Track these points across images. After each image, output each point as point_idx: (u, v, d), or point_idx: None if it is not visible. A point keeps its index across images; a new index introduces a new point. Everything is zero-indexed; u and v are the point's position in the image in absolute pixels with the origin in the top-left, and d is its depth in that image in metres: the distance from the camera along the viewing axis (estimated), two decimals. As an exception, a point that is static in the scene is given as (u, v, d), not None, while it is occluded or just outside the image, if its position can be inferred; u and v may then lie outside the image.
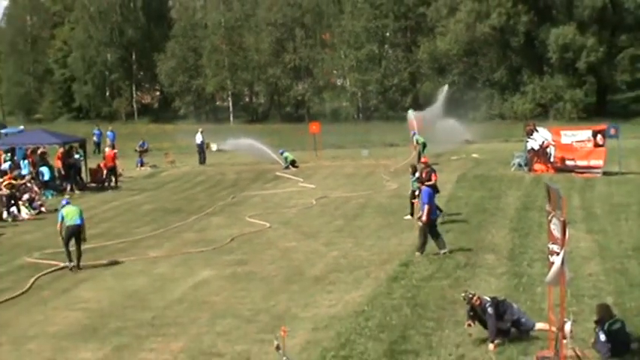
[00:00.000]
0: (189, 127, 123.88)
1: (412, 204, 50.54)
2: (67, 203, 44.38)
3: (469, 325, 29.14)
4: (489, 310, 28.30)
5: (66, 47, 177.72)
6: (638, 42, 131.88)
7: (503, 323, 28.54)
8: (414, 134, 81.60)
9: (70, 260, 43.04)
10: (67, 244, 43.19)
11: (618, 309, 29.46)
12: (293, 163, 79.99)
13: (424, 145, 78.35)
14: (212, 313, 34.79)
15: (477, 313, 28.89)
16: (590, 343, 27.48)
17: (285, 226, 52.02)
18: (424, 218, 42.75)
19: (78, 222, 43.74)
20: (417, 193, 48.85)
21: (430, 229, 42.86)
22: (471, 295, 29.19)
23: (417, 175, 50.45)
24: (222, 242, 46.93)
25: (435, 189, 49.28)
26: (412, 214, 49.90)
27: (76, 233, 43.52)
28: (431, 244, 42.76)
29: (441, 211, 47.41)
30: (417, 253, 42.32)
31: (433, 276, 38.08)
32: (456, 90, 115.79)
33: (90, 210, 60.80)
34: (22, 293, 39.25)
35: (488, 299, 28.73)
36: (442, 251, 42.32)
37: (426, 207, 42.64)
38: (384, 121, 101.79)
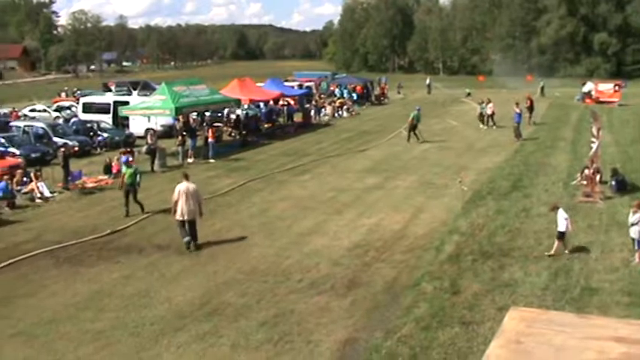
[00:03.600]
0: (421, 77, 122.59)
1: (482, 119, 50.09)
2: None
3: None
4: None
5: (365, 38, 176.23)
6: (636, 42, 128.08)
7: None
8: (542, 82, 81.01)
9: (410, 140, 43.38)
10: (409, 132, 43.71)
11: (622, 169, 28.73)
12: (469, 94, 78.59)
13: (542, 88, 77.97)
14: (429, 164, 34.92)
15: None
16: (608, 185, 27.06)
17: (464, 124, 51.32)
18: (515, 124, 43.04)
19: None
20: (482, 112, 49.77)
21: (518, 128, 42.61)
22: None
23: (483, 104, 50.44)
24: (435, 132, 46.49)
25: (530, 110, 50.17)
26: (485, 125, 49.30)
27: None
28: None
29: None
30: (516, 140, 41.78)
31: (535, 151, 37.56)
32: (549, 62, 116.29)
33: (372, 114, 61.40)
34: (351, 152, 40.05)
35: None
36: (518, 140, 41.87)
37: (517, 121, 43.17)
38: (513, 76, 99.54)
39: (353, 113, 62.24)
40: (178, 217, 21.23)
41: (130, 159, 32.03)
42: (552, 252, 19.39)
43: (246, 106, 49.51)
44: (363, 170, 34.08)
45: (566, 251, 19.46)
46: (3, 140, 38.58)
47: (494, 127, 47.84)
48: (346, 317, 15.64)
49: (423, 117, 45.53)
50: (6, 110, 61.00)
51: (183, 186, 21.51)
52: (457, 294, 16.73)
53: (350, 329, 14.99)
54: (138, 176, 26.37)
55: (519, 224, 22.73)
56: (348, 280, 18.10)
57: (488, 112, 49.16)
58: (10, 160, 34.03)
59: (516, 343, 6.95)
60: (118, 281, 18.66)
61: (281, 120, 54.35)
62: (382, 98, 77.68)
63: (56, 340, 14.90)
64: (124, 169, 25.91)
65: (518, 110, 43.66)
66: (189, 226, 21.32)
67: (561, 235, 19.55)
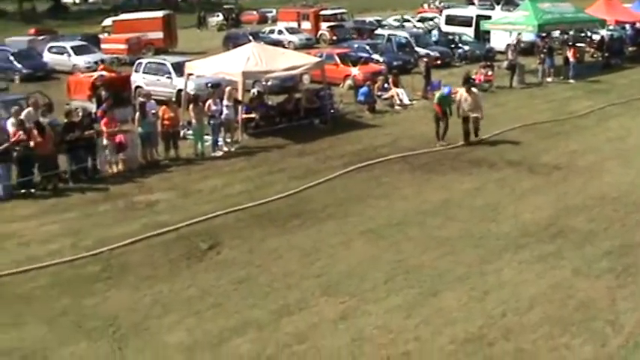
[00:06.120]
0: None
1: None
2: None
3: None
4: None
5: None
6: None
7: None
8: None
9: None
10: None
11: None
12: None
13: None
14: None
15: None
16: None
17: None
18: None
19: None
20: None
21: None
22: None
23: None
24: None
25: None
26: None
27: None
28: None
29: None
30: None
31: None
32: None
33: None
34: None
35: None
36: None
37: None
38: None
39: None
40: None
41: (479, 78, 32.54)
42: None
43: (611, 27, 47.45)
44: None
45: None
46: (368, 47, 40.65)
47: None
48: (698, 257, 14.65)
49: None
50: (371, 19, 63.73)
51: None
52: None
53: (699, 271, 14.02)
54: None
55: None
56: None
57: None
58: (373, 67, 35.90)
59: None
60: (467, 192, 19.03)
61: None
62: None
63: (403, 242, 15.61)
64: (442, 90, 25.46)
65: None
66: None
67: None
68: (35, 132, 19.84)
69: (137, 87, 31.60)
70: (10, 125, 20.72)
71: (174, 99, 27.70)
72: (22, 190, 19.79)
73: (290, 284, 13.67)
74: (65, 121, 21.35)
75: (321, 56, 32.85)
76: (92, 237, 16.33)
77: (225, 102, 23.94)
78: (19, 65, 42.19)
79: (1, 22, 78.23)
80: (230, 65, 26.30)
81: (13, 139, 19.73)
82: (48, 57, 45.63)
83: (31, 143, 19.73)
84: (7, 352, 11.54)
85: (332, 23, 59.21)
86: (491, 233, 15.96)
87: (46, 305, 13.14)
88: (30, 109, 22.45)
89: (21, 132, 19.77)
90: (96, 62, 40.61)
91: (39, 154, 19.93)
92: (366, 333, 11.75)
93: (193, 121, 23.72)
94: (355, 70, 34.81)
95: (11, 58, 42.83)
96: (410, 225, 16.59)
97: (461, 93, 24.04)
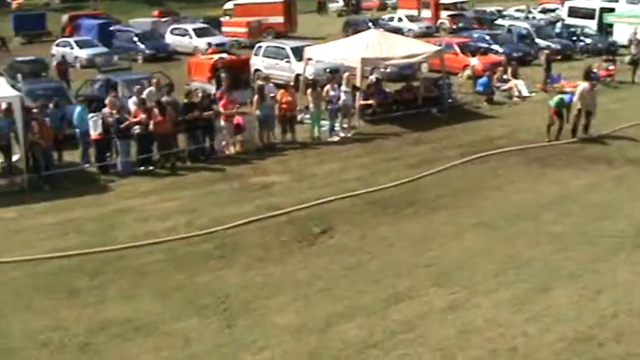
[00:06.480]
0: None
1: None
2: None
3: None
4: None
5: None
6: None
7: None
8: None
9: None
10: None
11: None
12: None
13: None
14: None
15: None
16: None
17: None
18: None
19: None
20: None
21: None
22: None
23: None
24: None
25: None
26: None
27: None
28: None
29: None
30: None
31: None
32: None
33: None
34: None
35: None
36: None
37: None
38: None
39: None
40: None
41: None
42: None
43: None
44: None
45: None
46: (488, 37, 40.20)
47: None
48: None
49: None
50: (492, 9, 62.81)
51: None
52: None
53: None
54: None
55: None
56: None
57: None
58: (493, 57, 35.44)
59: None
60: (583, 188, 18.61)
61: None
62: None
63: (515, 235, 15.41)
64: (564, 96, 24.64)
65: None
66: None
67: None
68: (156, 111, 20.50)
69: (256, 70, 32.35)
70: (131, 104, 21.60)
71: (292, 83, 28.14)
72: (142, 167, 20.57)
73: (400, 272, 13.72)
74: (185, 101, 22.02)
75: (440, 45, 32.64)
76: (207, 216, 16.82)
77: (343, 88, 24.10)
78: (142, 46, 43.79)
79: (126, 4, 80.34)
80: (349, 51, 26.47)
81: (133, 119, 20.49)
82: (170, 38, 47.14)
83: (151, 124, 20.42)
84: (122, 322, 12.01)
85: (452, 12, 58.77)
86: (606, 231, 15.55)
87: (161, 280, 13.63)
88: (152, 88, 23.31)
89: (142, 114, 20.53)
90: (209, 45, 40.59)
91: (159, 132, 20.58)
92: (474, 325, 11.70)
93: (311, 105, 23.96)
94: (474, 60, 34.48)
95: (135, 39, 44.53)
96: (523, 218, 16.37)
97: (583, 87, 23.42)
